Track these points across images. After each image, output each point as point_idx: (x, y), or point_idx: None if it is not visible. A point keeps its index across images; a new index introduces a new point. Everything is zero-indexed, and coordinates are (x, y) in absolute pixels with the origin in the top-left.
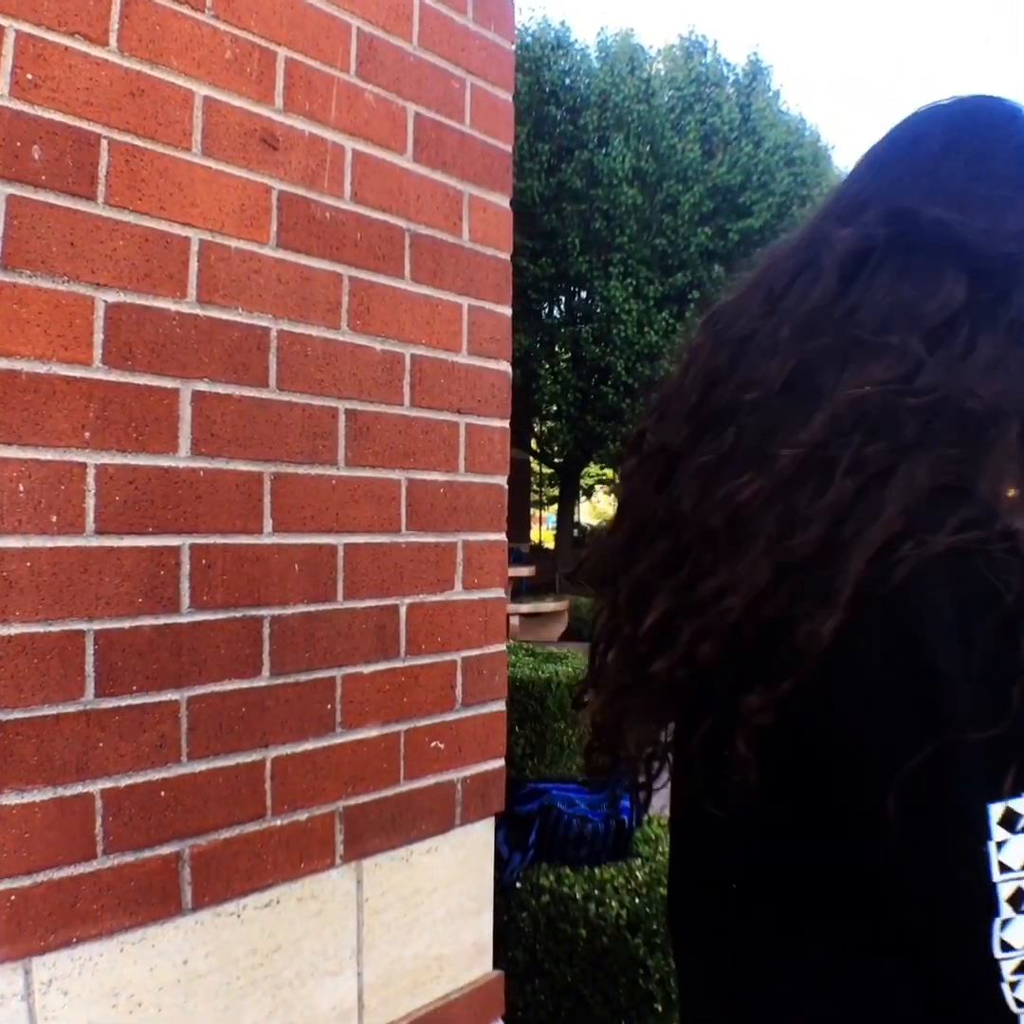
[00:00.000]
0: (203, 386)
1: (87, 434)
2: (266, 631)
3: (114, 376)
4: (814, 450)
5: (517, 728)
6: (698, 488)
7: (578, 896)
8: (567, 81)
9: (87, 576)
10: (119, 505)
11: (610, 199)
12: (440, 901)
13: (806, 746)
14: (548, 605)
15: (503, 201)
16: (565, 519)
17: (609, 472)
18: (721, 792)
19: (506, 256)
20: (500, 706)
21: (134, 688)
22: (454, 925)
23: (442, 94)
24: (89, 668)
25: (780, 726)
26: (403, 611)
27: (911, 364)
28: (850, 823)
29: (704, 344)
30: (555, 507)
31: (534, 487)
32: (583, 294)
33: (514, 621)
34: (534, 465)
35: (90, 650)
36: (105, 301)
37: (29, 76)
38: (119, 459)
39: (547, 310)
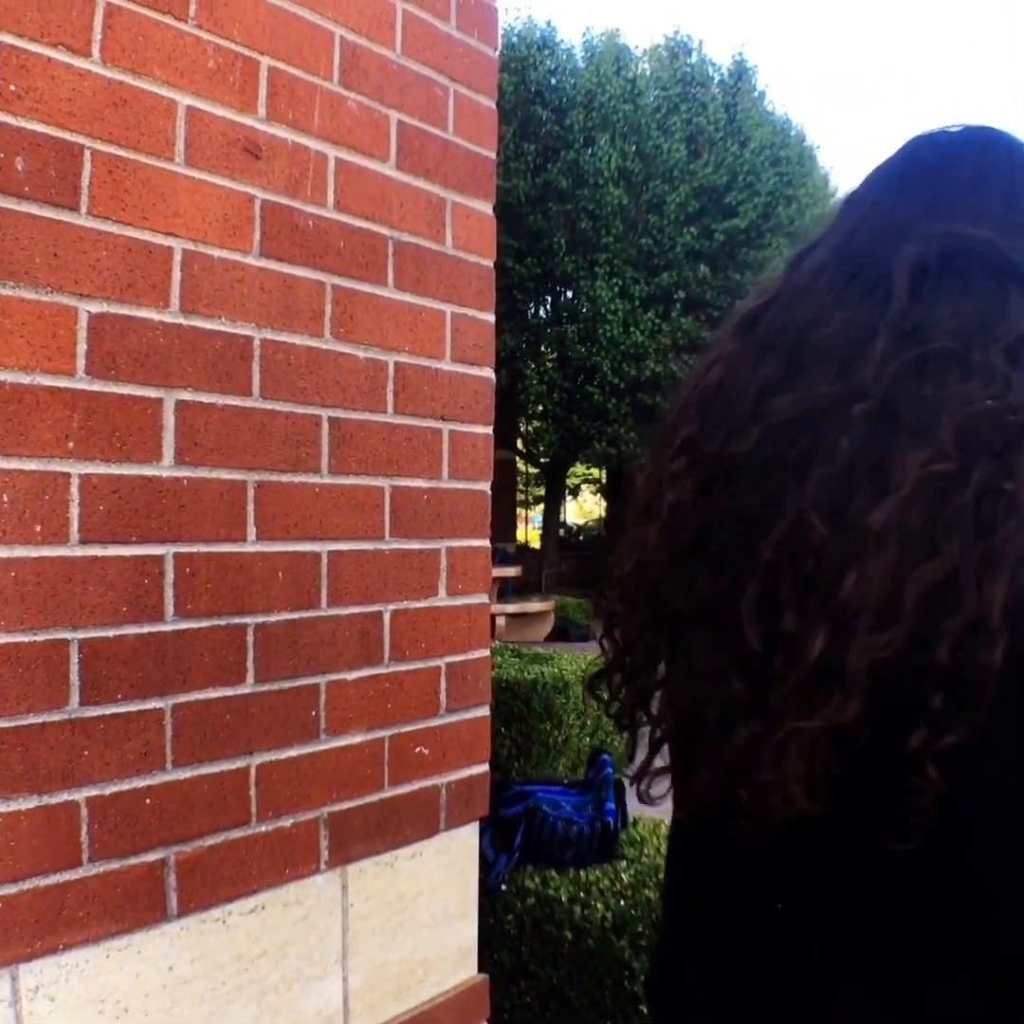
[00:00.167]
0: (186, 395)
1: (71, 444)
2: (250, 639)
3: (97, 386)
4: (943, 468)
5: (503, 729)
6: (817, 501)
7: (563, 898)
8: (553, 81)
9: (71, 585)
10: (103, 514)
11: (596, 199)
12: (425, 906)
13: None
14: (534, 605)
15: (486, 208)
16: (551, 519)
17: (595, 472)
18: (894, 821)
19: (489, 263)
20: (484, 711)
21: (119, 696)
22: (439, 929)
23: (425, 101)
24: (74, 677)
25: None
26: (387, 617)
27: (1000, 381)
28: (947, 834)
29: (744, 350)
30: (541, 507)
31: (520, 487)
32: (569, 294)
33: (500, 621)
34: (520, 465)
35: (75, 659)
36: (88, 311)
37: (12, 87)
38: (103, 469)
39: (533, 310)
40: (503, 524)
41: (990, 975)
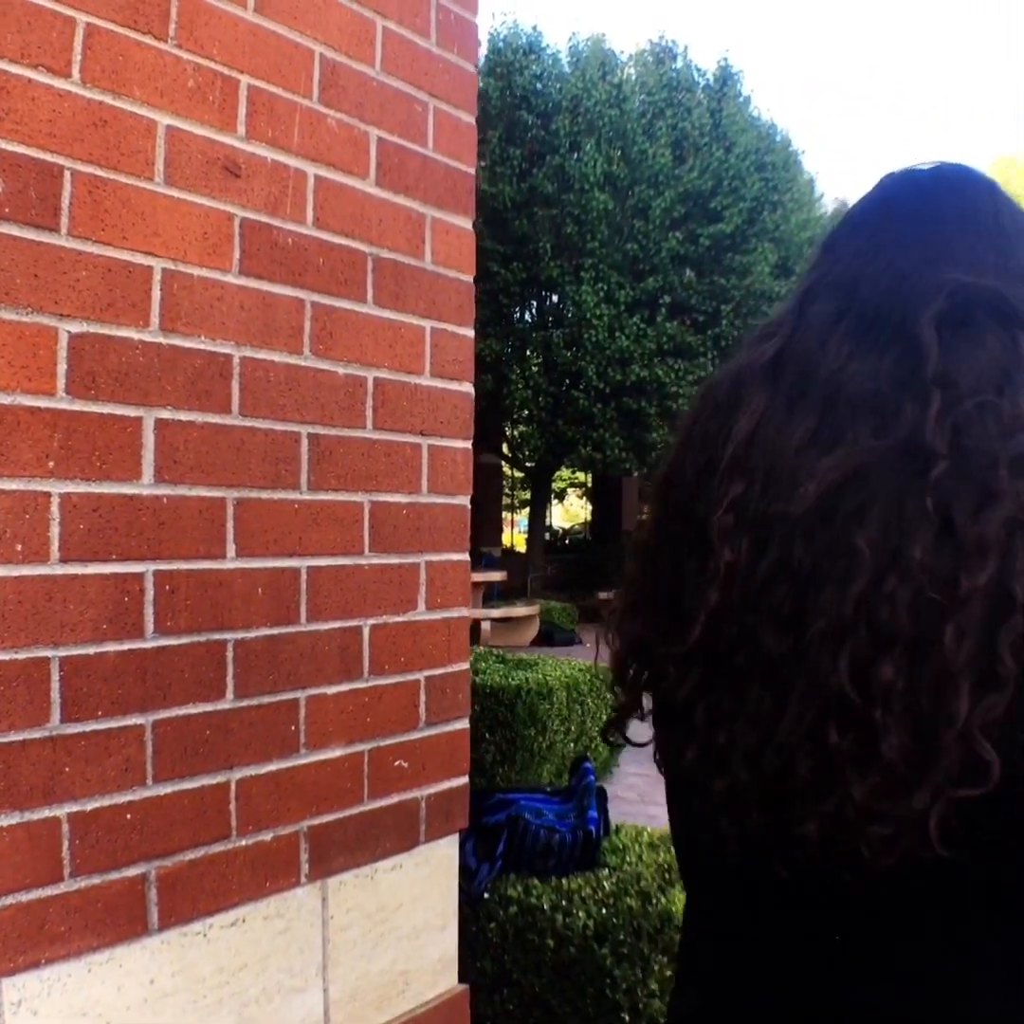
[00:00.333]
0: (166, 414)
1: (51, 463)
2: (230, 654)
3: (78, 405)
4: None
5: (487, 735)
6: (896, 558)
7: (546, 906)
8: (538, 86)
9: (52, 604)
10: (83, 533)
11: (581, 204)
12: (405, 917)
13: None
14: (519, 610)
15: (466, 223)
16: (536, 523)
17: (580, 476)
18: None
19: (469, 278)
20: (463, 724)
21: (100, 713)
22: (419, 941)
23: (405, 118)
24: (55, 694)
25: None
26: (366, 632)
27: None
28: None
29: (774, 401)
30: (527, 511)
31: (506, 491)
32: (554, 299)
33: (485, 626)
34: (506, 469)
35: (55, 676)
36: (69, 331)
37: None
38: (83, 487)
39: (518, 315)
40: (489, 528)
41: None
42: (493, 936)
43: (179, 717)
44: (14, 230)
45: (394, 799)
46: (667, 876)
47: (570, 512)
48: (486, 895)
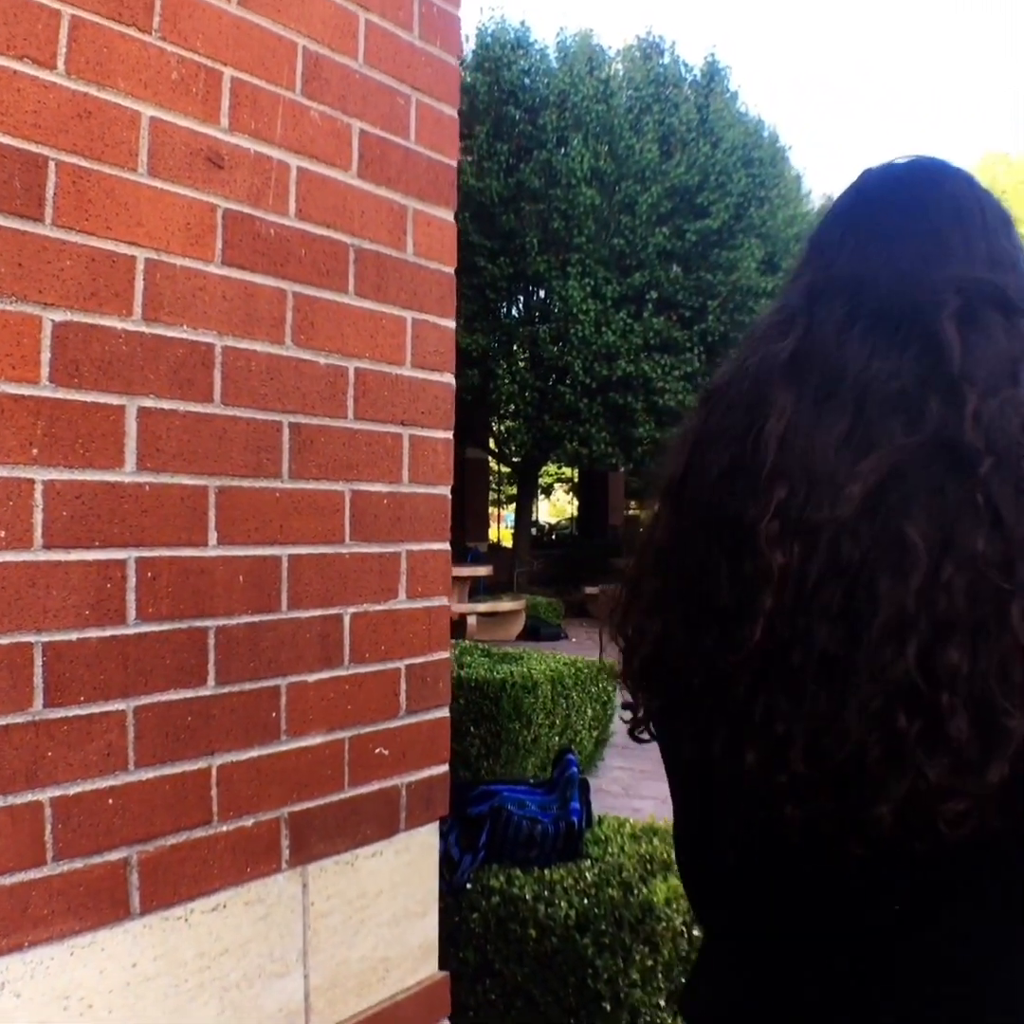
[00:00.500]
0: (149, 402)
1: (35, 451)
2: (211, 641)
3: (61, 393)
4: None
5: (472, 728)
6: (949, 549)
7: (528, 897)
8: (526, 81)
9: (35, 590)
10: (66, 520)
11: (568, 199)
12: (385, 904)
13: None
14: (505, 604)
15: (448, 215)
16: (523, 518)
17: (567, 471)
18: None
19: (450, 270)
20: (444, 712)
21: (82, 698)
22: (399, 928)
23: (387, 110)
24: (37, 679)
25: None
26: (347, 620)
27: None
28: None
29: (800, 403)
30: (513, 506)
31: (493, 486)
32: (541, 294)
33: (471, 621)
34: (492, 464)
35: (38, 662)
36: (52, 320)
37: None
38: (66, 475)
39: (505, 310)
40: (475, 523)
41: None
42: (475, 926)
43: (160, 703)
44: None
45: (375, 786)
46: (648, 867)
47: (557, 507)
48: (469, 885)
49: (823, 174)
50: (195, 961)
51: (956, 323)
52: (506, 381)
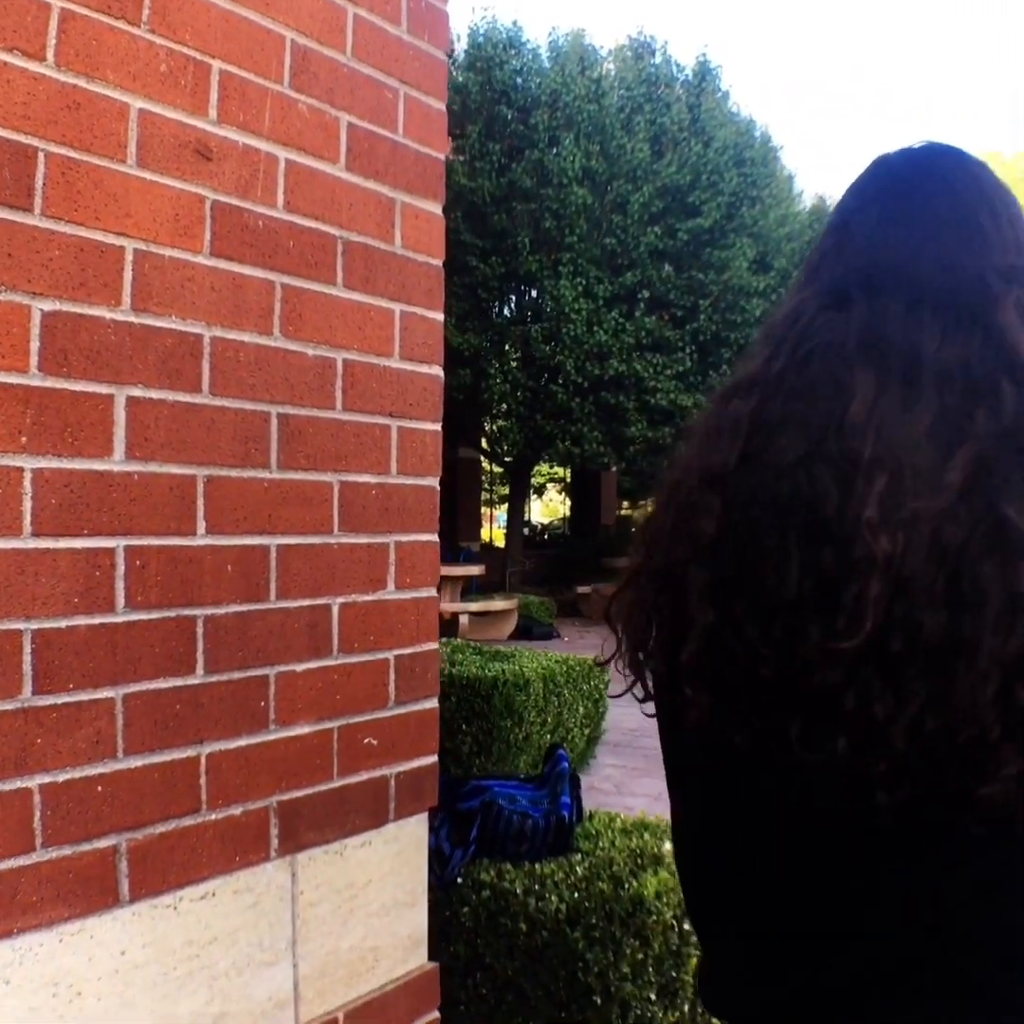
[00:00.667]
0: (137, 391)
1: (24, 439)
2: (200, 630)
3: (50, 382)
4: None
5: (464, 726)
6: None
7: (518, 891)
8: (518, 81)
9: (24, 577)
10: (55, 508)
11: (560, 199)
12: (375, 894)
13: None
14: (497, 604)
15: (436, 208)
16: (515, 518)
17: (559, 470)
18: None
19: (438, 262)
20: (433, 703)
21: (71, 686)
22: (389, 917)
23: (376, 104)
24: (26, 667)
25: None
26: (336, 610)
27: None
28: None
29: (882, 388)
30: (506, 506)
31: (485, 486)
32: (533, 293)
33: (463, 620)
34: (484, 464)
35: (27, 649)
36: (41, 309)
37: None
38: (55, 463)
39: (497, 309)
40: (468, 523)
41: None
42: (466, 920)
43: (149, 691)
44: None
45: (364, 776)
46: (639, 861)
47: (549, 507)
48: (459, 880)
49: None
50: (184, 949)
51: (1017, 312)
52: (498, 380)
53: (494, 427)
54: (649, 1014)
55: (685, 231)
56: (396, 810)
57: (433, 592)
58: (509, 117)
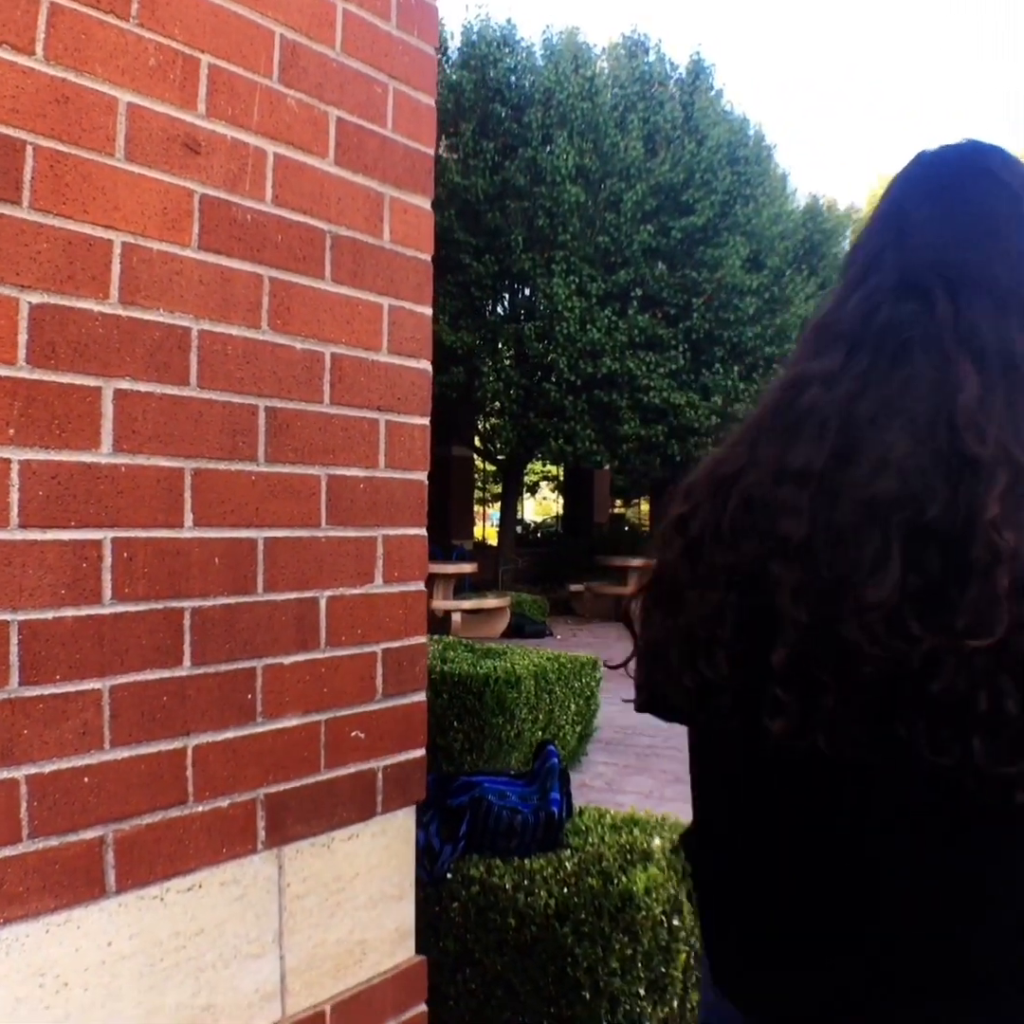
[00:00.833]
0: (125, 384)
1: (11, 431)
2: (187, 622)
3: (38, 375)
4: None
5: (456, 723)
6: None
7: (508, 886)
8: (512, 79)
9: (11, 568)
10: (42, 500)
11: (553, 197)
12: (362, 887)
13: None
14: (490, 601)
15: (424, 203)
16: (508, 516)
17: (552, 469)
18: None
19: (427, 257)
20: (421, 697)
21: (58, 677)
22: (376, 911)
23: (365, 99)
24: (13, 657)
25: None
26: (323, 603)
27: None
28: None
29: (991, 390)
30: (499, 504)
31: (478, 484)
32: (526, 291)
33: (456, 617)
34: (477, 462)
35: (14, 640)
36: (29, 302)
37: None
38: (42, 455)
39: (490, 307)
40: (461, 521)
41: None
42: (455, 916)
43: (136, 683)
44: None
45: (351, 769)
46: (628, 857)
47: (542, 505)
48: (449, 875)
49: (810, 173)
50: (171, 941)
51: None
52: (491, 379)
53: (487, 425)
54: (638, 1009)
55: (678, 229)
56: (383, 803)
57: (421, 586)
58: (503, 115)
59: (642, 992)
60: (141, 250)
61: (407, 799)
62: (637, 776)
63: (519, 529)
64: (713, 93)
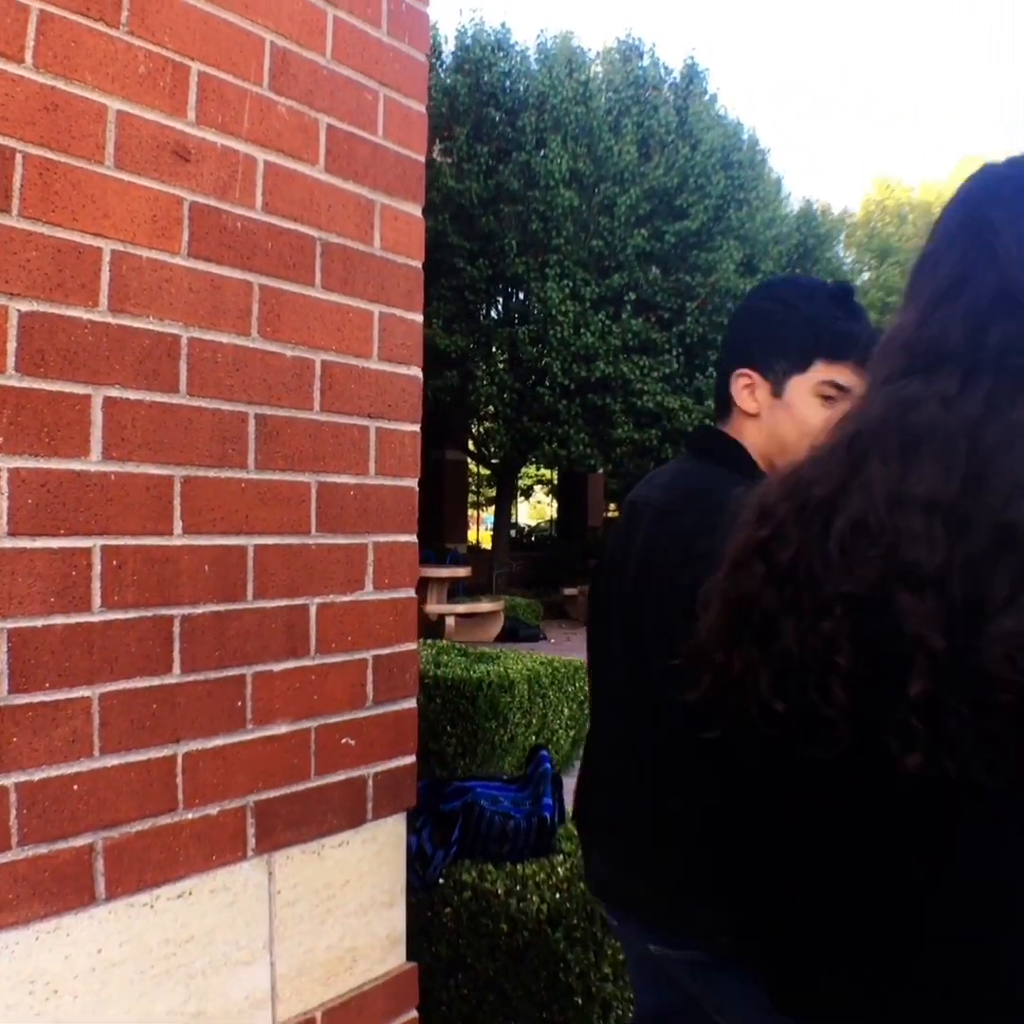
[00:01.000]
0: (114, 392)
1: (0, 439)
2: (177, 630)
3: (27, 383)
4: None
5: (449, 727)
6: None
7: (500, 892)
8: (506, 83)
9: (0, 576)
10: (31, 508)
11: (547, 201)
12: (352, 894)
13: None
14: (484, 605)
15: (415, 210)
16: (502, 519)
17: (546, 473)
18: None
19: (417, 264)
20: (411, 703)
21: (47, 685)
22: (367, 917)
23: (355, 106)
24: (2, 665)
25: None
26: (313, 610)
27: None
28: None
29: None
30: (493, 508)
31: (472, 488)
32: (520, 295)
33: (449, 621)
34: (471, 466)
35: (3, 648)
36: (19, 310)
37: None
38: (32, 463)
39: (484, 311)
40: (455, 525)
41: None
42: (447, 921)
43: (126, 690)
44: None
45: (341, 776)
46: None
47: (536, 509)
48: (441, 880)
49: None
50: (161, 948)
51: None
52: (485, 383)
53: (481, 429)
54: (630, 1014)
55: (672, 233)
56: (374, 810)
57: (412, 593)
58: (497, 119)
59: (634, 997)
60: (131, 258)
61: (398, 806)
62: None
63: (513, 533)
64: (707, 97)
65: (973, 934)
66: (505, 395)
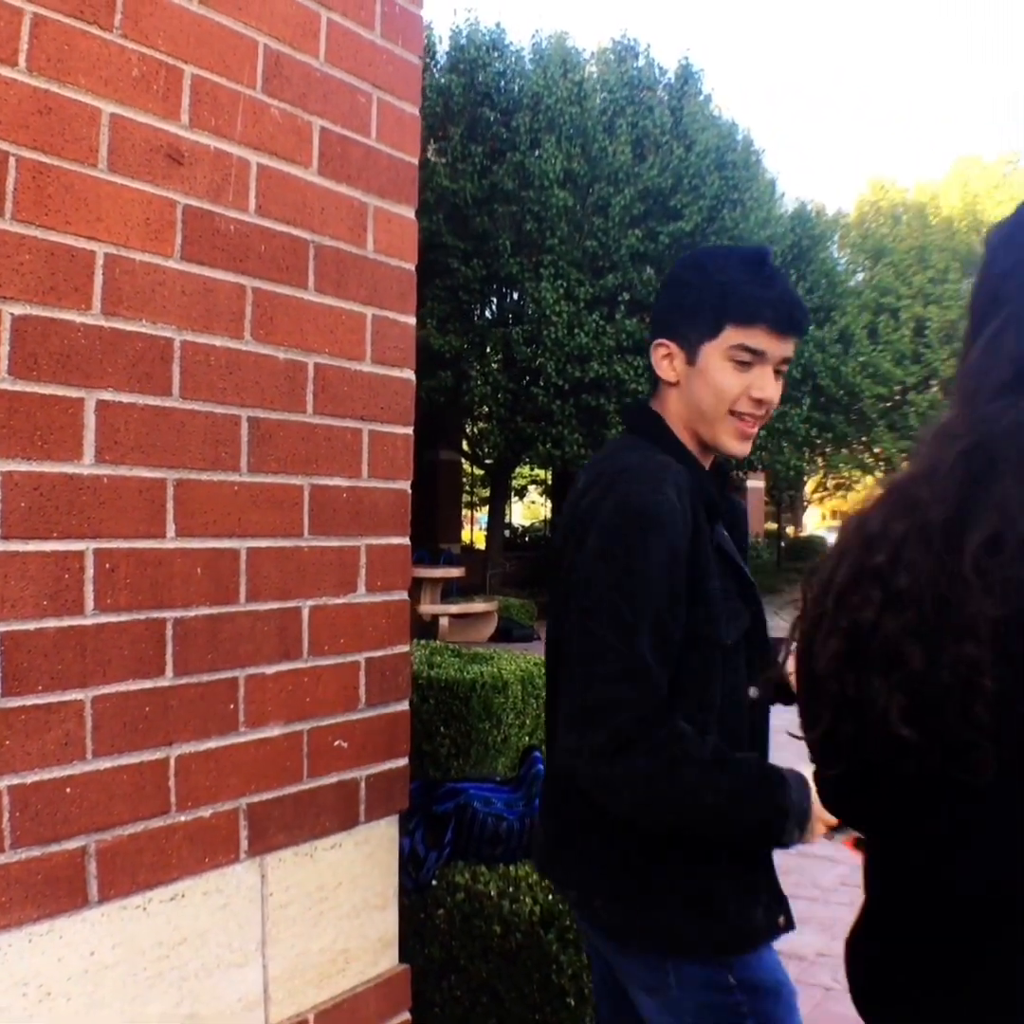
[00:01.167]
0: (107, 395)
1: None
2: (169, 632)
3: (20, 386)
4: None
5: (443, 728)
6: None
7: (493, 893)
8: (501, 83)
9: None
10: (24, 511)
11: (541, 201)
12: (345, 896)
13: None
14: (478, 606)
15: (408, 213)
16: (496, 520)
17: (540, 473)
18: None
19: (411, 266)
20: (404, 706)
21: (40, 688)
22: (359, 919)
23: (348, 108)
24: None
25: None
26: (306, 613)
27: None
28: None
29: None
30: (487, 508)
31: (466, 488)
32: (514, 296)
33: (443, 622)
34: (465, 466)
35: None
36: (11, 314)
37: None
38: (24, 466)
39: (478, 311)
40: (449, 525)
41: None
42: (440, 922)
43: (119, 693)
44: None
45: (334, 778)
46: None
47: (530, 509)
48: (434, 882)
49: (798, 178)
50: (153, 950)
51: None
52: (479, 383)
53: (475, 429)
54: None
55: (666, 234)
56: (366, 812)
57: (404, 595)
58: (491, 119)
59: None
60: (124, 261)
61: (390, 808)
62: None
63: (507, 533)
64: (702, 98)
65: None
66: (499, 395)
